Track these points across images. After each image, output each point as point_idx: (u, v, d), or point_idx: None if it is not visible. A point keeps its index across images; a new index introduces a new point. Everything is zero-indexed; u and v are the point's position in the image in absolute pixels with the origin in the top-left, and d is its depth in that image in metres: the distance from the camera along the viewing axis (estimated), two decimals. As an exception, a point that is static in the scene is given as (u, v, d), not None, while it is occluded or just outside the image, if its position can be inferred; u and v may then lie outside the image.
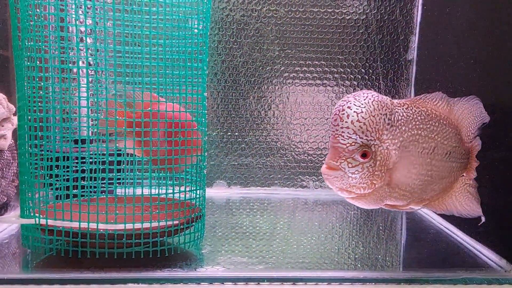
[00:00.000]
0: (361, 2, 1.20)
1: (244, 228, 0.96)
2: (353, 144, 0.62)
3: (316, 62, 1.21)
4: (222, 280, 0.69)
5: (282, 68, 1.21)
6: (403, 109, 0.66)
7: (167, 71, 0.74)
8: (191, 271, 0.71)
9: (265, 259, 0.78)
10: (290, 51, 1.21)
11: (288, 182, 1.26)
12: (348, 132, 0.62)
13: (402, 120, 0.65)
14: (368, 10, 1.20)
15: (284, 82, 1.22)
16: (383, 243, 0.91)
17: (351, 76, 1.22)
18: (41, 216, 0.72)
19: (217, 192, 1.25)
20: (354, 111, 0.62)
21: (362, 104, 0.62)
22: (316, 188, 1.26)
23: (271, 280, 0.69)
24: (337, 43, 1.21)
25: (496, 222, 0.83)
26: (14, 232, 0.89)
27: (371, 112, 0.62)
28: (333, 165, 0.63)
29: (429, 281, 0.71)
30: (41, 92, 0.73)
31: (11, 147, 0.95)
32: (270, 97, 1.23)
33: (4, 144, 0.91)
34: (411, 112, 0.67)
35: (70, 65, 0.72)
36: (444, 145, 0.70)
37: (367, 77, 1.22)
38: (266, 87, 1.22)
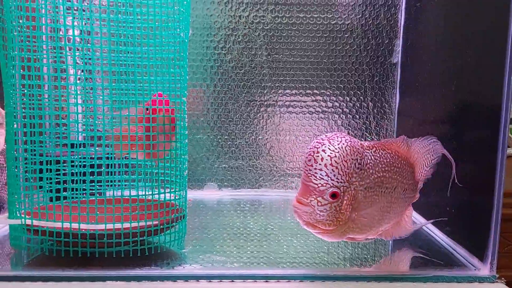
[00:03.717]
0: (346, 8, 1.22)
1: (235, 229, 0.99)
2: (325, 185, 0.67)
3: (303, 66, 1.24)
4: (197, 278, 0.72)
5: (270, 72, 1.24)
6: (371, 152, 0.71)
7: (144, 77, 0.78)
8: (168, 270, 0.74)
9: (253, 259, 0.80)
10: (277, 56, 1.24)
11: (278, 184, 1.29)
12: (321, 174, 0.67)
13: (370, 164, 0.70)
14: (353, 15, 1.22)
15: (272, 86, 1.25)
16: (371, 242, 0.92)
17: (338, 79, 1.24)
18: (27, 217, 0.76)
19: (208, 194, 1.27)
20: (328, 155, 0.67)
21: (336, 148, 0.67)
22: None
23: (244, 277, 0.72)
24: (324, 48, 1.23)
25: (469, 221, 0.85)
26: (6, 232, 0.93)
27: (343, 157, 0.67)
28: (304, 202, 0.68)
29: (399, 278, 0.73)
30: (25, 99, 0.77)
31: (4, 152, 0.99)
32: (259, 101, 1.26)
33: (-3, 149, 0.95)
34: (378, 155, 0.72)
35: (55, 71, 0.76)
36: (403, 183, 0.75)
37: (353, 80, 1.24)
38: (255, 91, 1.25)
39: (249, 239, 0.91)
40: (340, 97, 1.25)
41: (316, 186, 0.67)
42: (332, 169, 0.66)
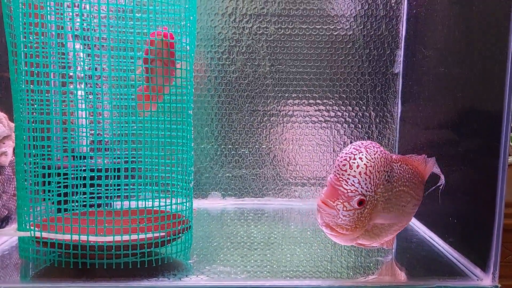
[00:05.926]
0: (348, 19, 1.24)
1: (239, 238, 1.00)
2: (354, 192, 0.67)
3: (306, 77, 1.26)
4: (204, 289, 0.73)
5: (273, 82, 1.26)
6: (397, 165, 0.73)
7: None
8: (175, 281, 0.76)
9: (257, 268, 0.81)
10: (280, 66, 1.25)
11: (281, 193, 1.30)
12: (353, 180, 0.67)
13: (395, 177, 0.71)
14: (355, 26, 1.24)
15: (275, 96, 1.26)
16: (374, 251, 0.93)
17: (340, 89, 1.26)
18: (36, 229, 0.77)
19: (212, 203, 1.29)
20: (364, 164, 0.67)
21: (372, 158, 0.67)
22: (308, 199, 1.30)
23: (250, 288, 0.73)
24: (326, 58, 1.25)
25: (471, 231, 0.86)
26: (15, 244, 0.94)
27: (377, 168, 0.68)
28: (330, 204, 0.68)
29: (403, 288, 0.75)
30: (34, 114, 0.78)
31: (12, 163, 1.00)
32: (263, 111, 1.27)
33: (5, 161, 0.97)
34: (402, 169, 0.73)
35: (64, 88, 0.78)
36: (415, 199, 0.77)
37: (355, 90, 1.26)
38: (258, 101, 1.27)
39: (253, 248, 0.92)
40: (342, 107, 1.26)
41: (345, 191, 0.67)
42: (365, 178, 0.67)
